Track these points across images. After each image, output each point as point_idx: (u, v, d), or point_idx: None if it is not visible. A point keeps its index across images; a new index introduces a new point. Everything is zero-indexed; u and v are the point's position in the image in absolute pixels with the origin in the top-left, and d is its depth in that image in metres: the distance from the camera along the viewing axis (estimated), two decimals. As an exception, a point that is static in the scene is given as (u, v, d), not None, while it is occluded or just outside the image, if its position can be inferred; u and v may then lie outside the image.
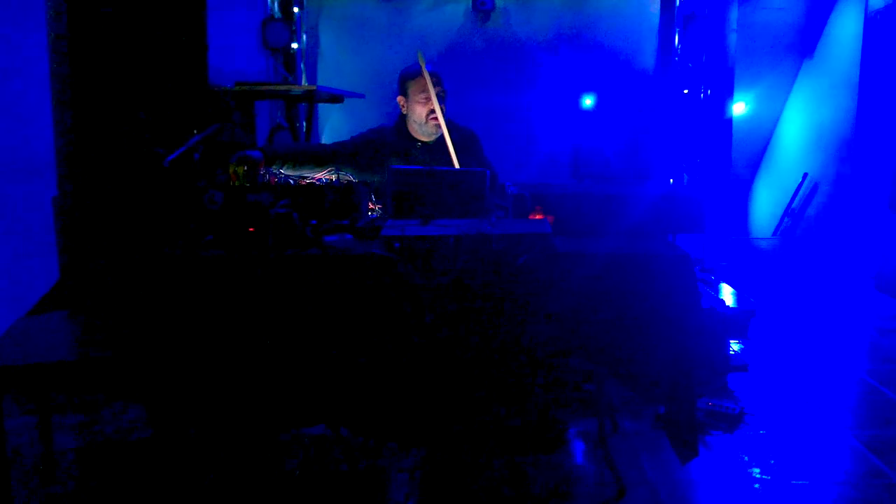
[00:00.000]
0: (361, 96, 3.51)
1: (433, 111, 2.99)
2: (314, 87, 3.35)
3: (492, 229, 2.03)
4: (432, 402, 2.12)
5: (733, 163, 5.41)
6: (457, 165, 2.92)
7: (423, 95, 3.00)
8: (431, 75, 3.01)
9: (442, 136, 3.07)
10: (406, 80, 3.05)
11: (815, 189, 6.39)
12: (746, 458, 2.64)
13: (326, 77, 5.51)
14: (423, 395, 2.11)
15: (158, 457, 2.54)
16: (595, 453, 2.66)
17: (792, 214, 6.56)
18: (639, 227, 2.32)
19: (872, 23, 5.33)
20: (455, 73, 4.38)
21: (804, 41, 6.49)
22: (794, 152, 6.70)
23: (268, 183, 2.36)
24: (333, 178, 2.46)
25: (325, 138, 5.60)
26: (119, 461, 2.64)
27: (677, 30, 5.19)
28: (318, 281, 2.06)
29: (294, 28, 5.13)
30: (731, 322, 3.96)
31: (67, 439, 2.75)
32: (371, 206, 3.00)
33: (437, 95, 3.01)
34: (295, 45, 5.15)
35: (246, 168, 2.41)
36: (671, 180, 5.17)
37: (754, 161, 7.11)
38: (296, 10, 5.14)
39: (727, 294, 4.38)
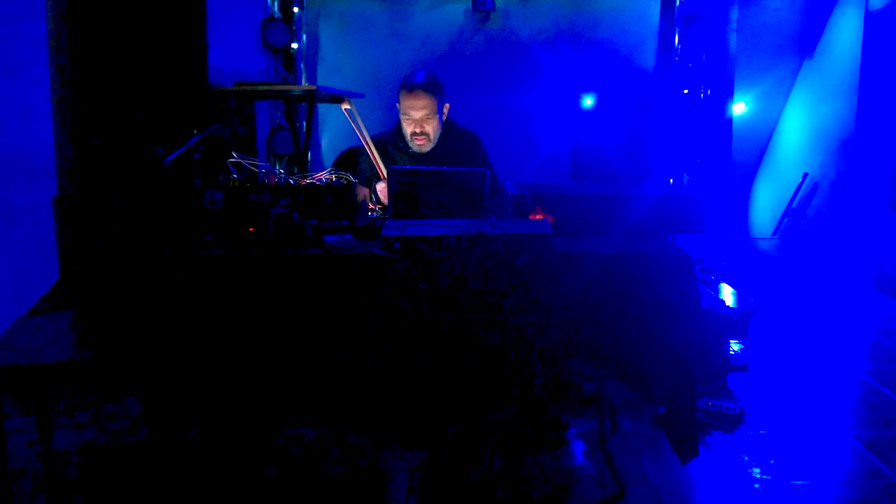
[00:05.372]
0: (361, 96, 3.50)
1: (416, 133, 3.02)
2: (314, 87, 3.34)
3: (492, 229, 2.03)
4: (432, 403, 2.12)
5: (733, 163, 5.40)
6: None
7: (406, 115, 3.02)
8: (431, 85, 3.00)
9: (436, 148, 3.09)
10: (399, 90, 3.05)
11: (815, 189, 6.39)
12: (746, 458, 2.64)
13: (326, 77, 5.51)
14: (424, 396, 2.11)
15: (158, 457, 2.54)
16: (595, 453, 2.66)
17: (792, 214, 6.56)
18: (639, 227, 2.32)
19: (872, 23, 5.32)
20: (455, 73, 4.38)
21: (804, 41, 6.49)
22: (794, 152, 6.70)
23: (268, 183, 2.36)
24: (333, 178, 2.46)
25: (325, 138, 5.60)
26: (119, 461, 2.64)
27: (677, 30, 5.18)
28: (318, 281, 2.06)
29: (294, 28, 5.12)
30: (731, 322, 3.96)
31: (67, 439, 2.75)
32: (371, 206, 3.01)
33: (434, 110, 3.01)
34: (295, 45, 5.15)
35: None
36: (671, 180, 5.17)
37: (754, 161, 7.10)
38: (296, 10, 5.14)
39: (727, 294, 4.38)
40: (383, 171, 2.96)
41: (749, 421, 2.93)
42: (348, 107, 3.05)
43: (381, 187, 2.96)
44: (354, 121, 2.99)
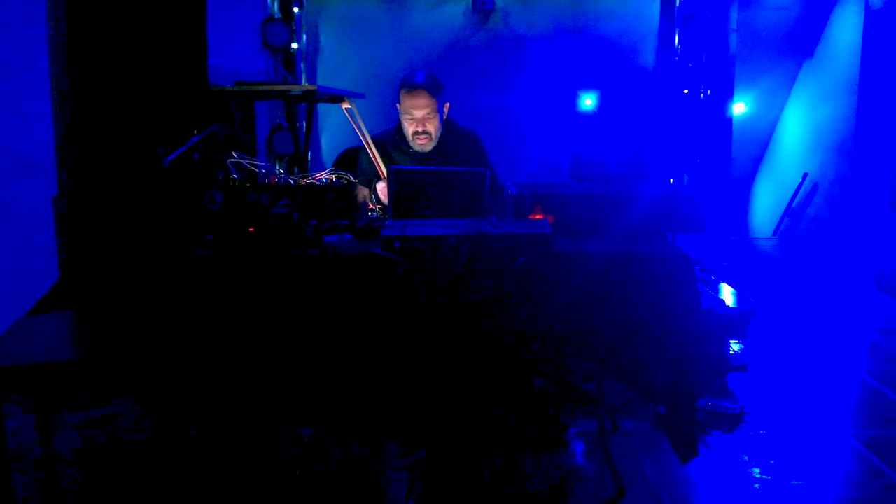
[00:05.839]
0: (361, 96, 3.50)
1: (418, 132, 3.02)
2: (314, 87, 3.34)
3: (492, 229, 2.03)
4: (432, 402, 2.12)
5: (733, 163, 5.40)
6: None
7: (408, 115, 3.02)
8: (432, 85, 3.00)
9: (436, 148, 3.09)
10: (399, 90, 3.05)
11: (815, 189, 6.39)
12: (746, 458, 2.64)
13: (326, 77, 5.51)
14: (423, 395, 2.11)
15: (158, 457, 2.54)
16: (595, 453, 2.66)
17: (792, 214, 6.56)
18: (639, 227, 2.32)
19: (872, 23, 5.32)
20: (455, 73, 4.37)
21: (804, 41, 6.49)
22: (794, 152, 6.70)
23: (268, 183, 2.36)
24: (333, 178, 2.46)
25: (325, 138, 5.60)
26: (119, 461, 2.64)
27: (677, 30, 5.19)
28: (318, 281, 2.05)
29: (294, 28, 5.12)
30: (731, 322, 3.96)
31: (67, 439, 2.75)
32: (371, 206, 3.01)
33: (435, 109, 3.01)
34: (295, 45, 5.15)
35: None
36: (671, 180, 5.17)
37: (754, 161, 7.10)
38: (296, 10, 5.14)
39: (727, 294, 4.38)
40: (383, 170, 2.96)
41: (749, 421, 2.93)
42: (348, 106, 3.05)
43: (381, 187, 2.97)
44: (355, 120, 2.99)
